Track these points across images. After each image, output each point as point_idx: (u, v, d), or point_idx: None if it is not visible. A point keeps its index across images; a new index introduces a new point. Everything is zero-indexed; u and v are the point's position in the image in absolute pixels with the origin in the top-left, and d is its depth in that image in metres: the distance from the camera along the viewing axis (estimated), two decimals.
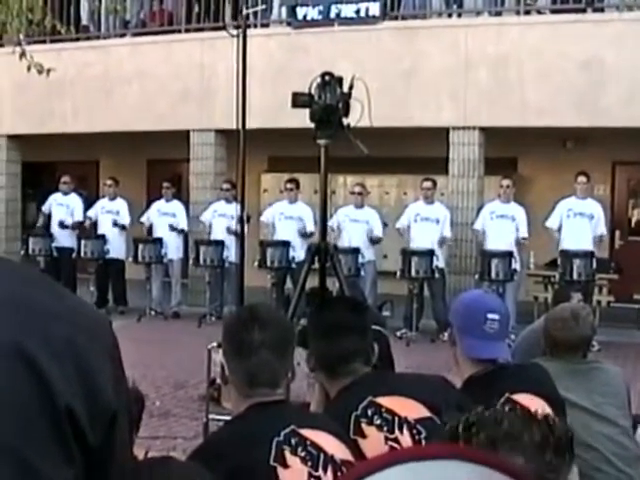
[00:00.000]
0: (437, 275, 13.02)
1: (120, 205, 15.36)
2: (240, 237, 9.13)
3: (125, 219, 15.24)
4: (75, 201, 15.72)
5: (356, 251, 13.07)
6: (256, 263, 13.37)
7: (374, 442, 3.02)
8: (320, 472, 2.75)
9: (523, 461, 1.59)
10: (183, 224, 15.08)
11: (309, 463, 2.74)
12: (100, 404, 1.40)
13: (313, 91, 6.54)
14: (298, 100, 6.59)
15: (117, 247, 15.04)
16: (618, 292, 13.74)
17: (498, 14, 14.71)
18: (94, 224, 15.60)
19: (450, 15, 15.02)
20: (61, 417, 1.35)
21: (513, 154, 16.26)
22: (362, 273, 13.14)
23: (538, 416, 1.69)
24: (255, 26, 14.87)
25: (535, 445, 1.60)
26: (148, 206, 15.89)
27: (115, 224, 15.05)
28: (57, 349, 1.38)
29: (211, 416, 7.18)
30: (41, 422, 1.35)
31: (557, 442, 1.64)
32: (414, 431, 3.05)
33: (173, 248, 14.89)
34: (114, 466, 1.46)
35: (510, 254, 12.57)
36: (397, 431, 3.05)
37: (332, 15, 14.19)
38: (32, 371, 1.34)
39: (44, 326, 1.39)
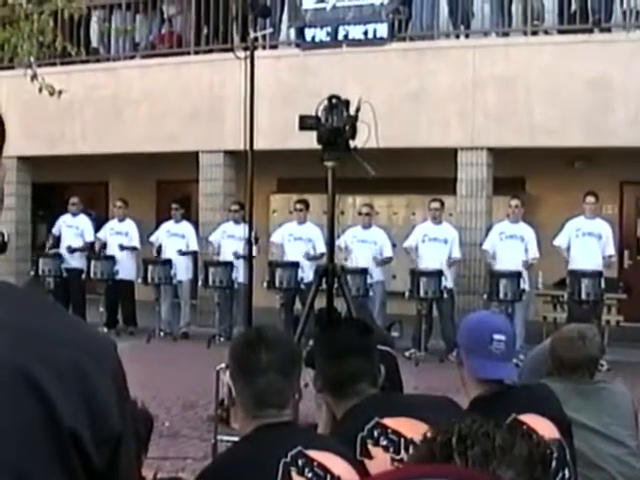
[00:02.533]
0: (446, 295, 13.02)
1: (129, 226, 15.40)
2: (249, 258, 9.14)
3: (134, 240, 15.27)
4: (84, 222, 15.76)
5: (364, 271, 13.08)
6: (265, 284, 13.38)
7: (380, 463, 3.03)
8: None
9: (514, 474, 1.61)
10: (193, 245, 15.11)
11: None
12: (105, 427, 1.42)
13: (320, 114, 6.58)
14: (305, 123, 6.64)
15: (127, 268, 15.08)
16: (627, 312, 13.73)
17: (505, 35, 14.74)
18: (103, 245, 15.64)
19: (458, 36, 15.06)
20: (66, 440, 1.37)
21: (521, 174, 16.27)
22: (371, 293, 13.14)
23: (522, 431, 1.71)
24: (264, 48, 14.92)
25: (524, 459, 1.62)
26: (157, 227, 15.92)
27: (122, 248, 15.08)
28: (62, 373, 1.40)
29: (220, 437, 7.19)
30: (45, 445, 1.36)
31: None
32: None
33: (182, 269, 14.92)
34: None
35: (519, 274, 12.56)
36: (403, 452, 3.06)
37: (340, 37, 14.25)
38: (37, 395, 1.36)
39: (49, 350, 1.41)
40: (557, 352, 4.46)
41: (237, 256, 13.72)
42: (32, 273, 15.43)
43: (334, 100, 6.61)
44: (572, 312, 12.31)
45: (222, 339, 13.74)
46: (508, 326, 3.92)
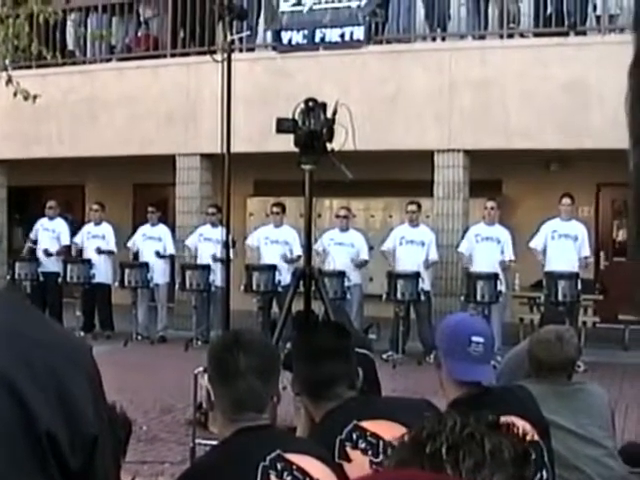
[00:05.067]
0: (423, 297, 13.03)
1: (106, 230, 15.34)
2: (226, 261, 9.13)
3: (111, 244, 15.21)
4: (61, 226, 15.70)
5: (342, 274, 13.08)
6: (242, 287, 13.36)
7: (359, 466, 3.02)
8: None
9: (504, 477, 1.61)
10: (169, 248, 15.07)
11: None
12: (81, 429, 1.42)
13: (297, 117, 6.58)
14: (282, 125, 6.63)
15: (103, 272, 15.02)
16: (603, 313, 13.78)
17: (482, 37, 14.79)
18: (80, 249, 15.57)
19: (434, 39, 15.09)
20: (41, 442, 1.37)
21: (498, 176, 16.33)
22: (348, 296, 13.14)
23: (505, 428, 1.70)
24: (241, 50, 14.91)
25: (512, 460, 1.61)
26: (134, 230, 15.88)
27: (99, 251, 15.01)
28: (37, 375, 1.39)
29: (198, 441, 7.16)
30: (21, 446, 1.36)
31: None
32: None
33: (159, 272, 14.87)
34: None
35: (495, 276, 12.60)
36: (382, 455, 3.06)
37: (317, 39, 14.27)
38: (13, 397, 1.36)
39: (25, 353, 1.41)
40: (535, 354, 4.48)
41: (215, 259, 13.70)
42: (8, 277, 15.34)
43: (311, 103, 6.60)
44: (546, 313, 12.35)
45: (199, 342, 13.72)
46: (486, 328, 3.93)
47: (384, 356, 12.52)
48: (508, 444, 1.63)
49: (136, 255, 15.33)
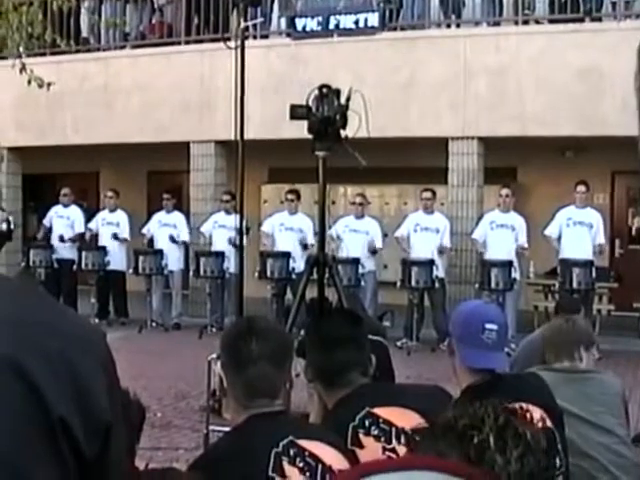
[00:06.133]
0: (437, 285, 13.03)
1: (120, 217, 15.37)
2: (240, 248, 9.13)
3: (125, 231, 15.24)
4: (76, 213, 15.73)
5: (356, 261, 13.08)
6: (256, 274, 13.37)
7: (372, 452, 3.03)
8: None
9: (535, 463, 1.62)
10: (184, 235, 15.09)
11: (307, 474, 2.76)
12: (94, 415, 1.42)
13: (311, 103, 6.57)
14: (296, 112, 6.62)
15: (118, 259, 15.05)
16: (618, 301, 13.76)
17: (496, 24, 14.74)
18: (95, 236, 15.61)
19: (449, 25, 15.05)
20: (55, 429, 1.37)
21: (512, 163, 16.28)
22: (362, 283, 13.14)
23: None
24: (255, 37, 14.91)
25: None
26: (149, 217, 15.91)
27: (115, 237, 15.05)
28: (51, 362, 1.39)
29: (212, 427, 7.19)
30: (35, 434, 1.36)
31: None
32: (411, 441, 3.06)
33: (174, 259, 14.90)
34: (111, 477, 1.47)
35: (510, 263, 12.57)
36: (394, 441, 3.06)
37: (331, 26, 14.18)
38: (25, 384, 1.36)
39: (38, 339, 1.40)
40: (546, 337, 4.48)
41: (231, 243, 13.68)
42: (23, 264, 15.39)
43: (325, 89, 6.59)
44: (561, 301, 12.32)
45: (214, 329, 13.75)
46: (500, 316, 3.92)
47: (398, 343, 12.52)
48: (541, 434, 1.65)
49: (151, 242, 15.35)
